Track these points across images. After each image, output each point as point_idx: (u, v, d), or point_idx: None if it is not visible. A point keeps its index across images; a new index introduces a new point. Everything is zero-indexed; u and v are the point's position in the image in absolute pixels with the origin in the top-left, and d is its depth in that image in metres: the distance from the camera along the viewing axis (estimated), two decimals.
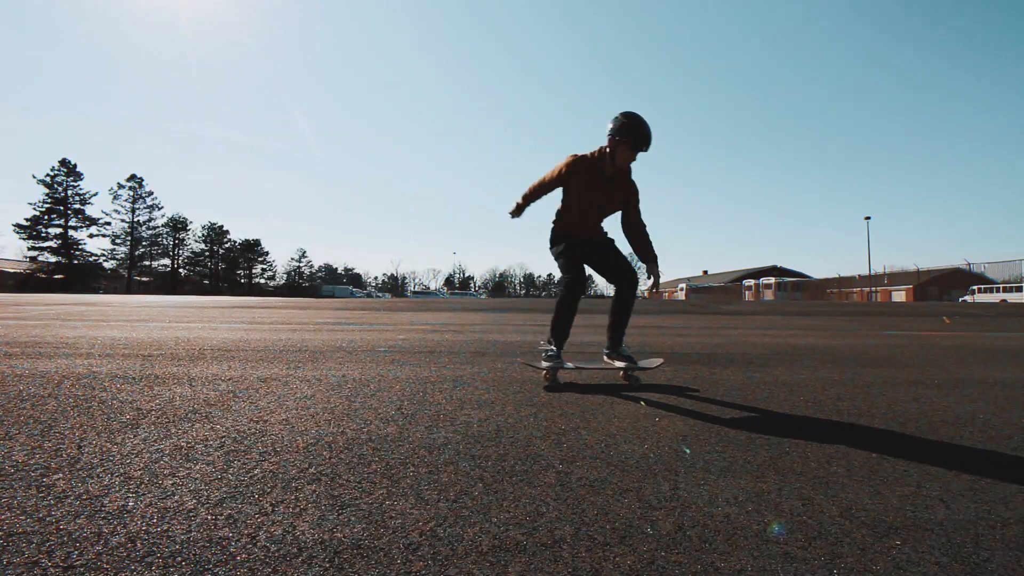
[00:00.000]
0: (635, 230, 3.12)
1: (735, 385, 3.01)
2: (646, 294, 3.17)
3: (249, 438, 1.84)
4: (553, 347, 3.01)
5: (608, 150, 2.95)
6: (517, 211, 3.30)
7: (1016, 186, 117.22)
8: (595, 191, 3.02)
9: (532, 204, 3.25)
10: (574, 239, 3.12)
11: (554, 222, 3.19)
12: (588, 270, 3.20)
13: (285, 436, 1.87)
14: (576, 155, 3.01)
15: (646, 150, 2.91)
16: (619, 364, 3.01)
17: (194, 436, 1.85)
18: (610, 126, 2.92)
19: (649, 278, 3.10)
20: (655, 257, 3.12)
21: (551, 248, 3.23)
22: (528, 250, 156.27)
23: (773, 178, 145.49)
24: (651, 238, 3.12)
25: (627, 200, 3.10)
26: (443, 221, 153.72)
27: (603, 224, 3.21)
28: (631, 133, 2.85)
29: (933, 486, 1.49)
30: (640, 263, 3.37)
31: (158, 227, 66.27)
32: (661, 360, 3.23)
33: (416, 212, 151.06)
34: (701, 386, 2.97)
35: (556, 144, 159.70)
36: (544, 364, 2.99)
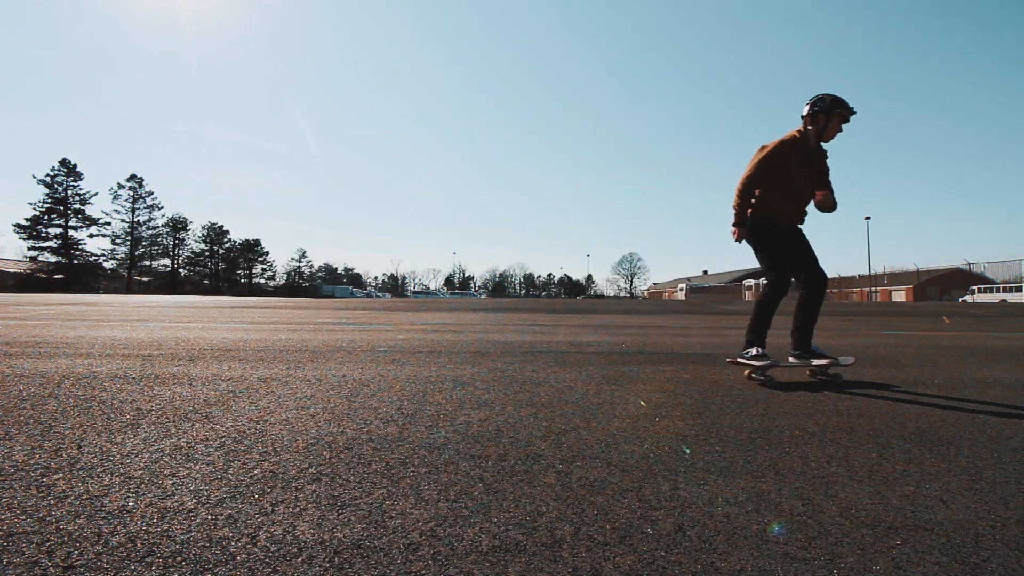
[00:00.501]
0: (831, 206, 3.21)
1: (735, 385, 3.01)
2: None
3: (249, 438, 1.84)
4: (759, 348, 3.14)
5: (811, 128, 3.12)
6: (740, 224, 3.23)
7: (1016, 186, 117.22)
8: (804, 171, 3.13)
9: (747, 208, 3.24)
10: (778, 227, 3.18)
11: (754, 211, 3.20)
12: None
13: (285, 436, 1.87)
14: (777, 141, 3.13)
15: (854, 113, 3.10)
16: (818, 362, 3.12)
17: (194, 436, 1.85)
18: (810, 107, 3.10)
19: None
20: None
21: (752, 240, 3.25)
22: (528, 250, 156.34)
23: None
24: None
25: (825, 173, 3.22)
26: (443, 221, 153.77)
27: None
28: (840, 104, 3.05)
29: (933, 486, 1.49)
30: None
31: (158, 227, 66.34)
32: (853, 359, 3.34)
33: (416, 212, 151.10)
34: (701, 386, 2.97)
35: (556, 144, 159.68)
36: (759, 363, 3.08)
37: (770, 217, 3.18)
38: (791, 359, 3.19)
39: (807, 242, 3.24)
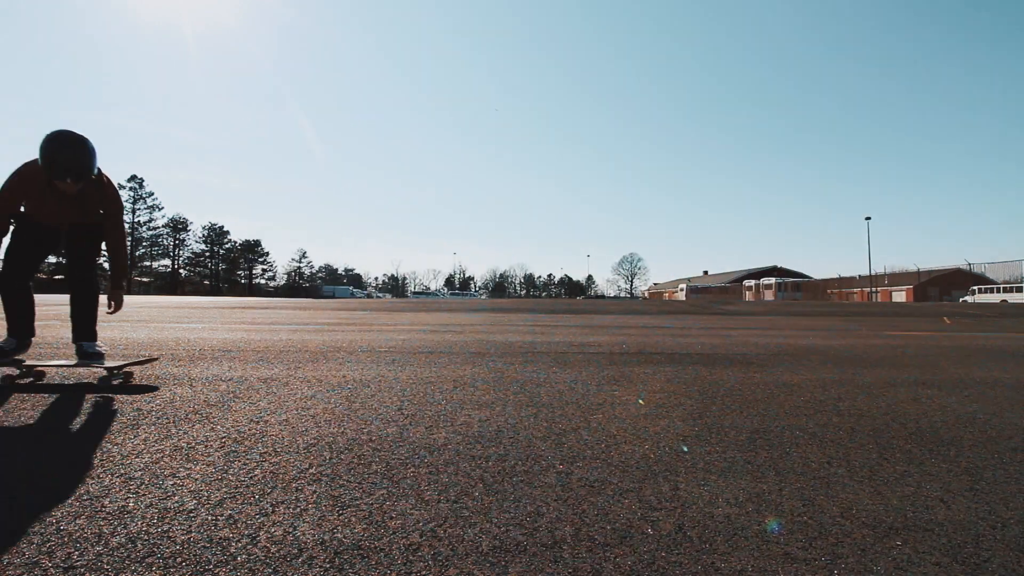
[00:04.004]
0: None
1: (735, 385, 3.01)
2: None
3: (249, 439, 1.84)
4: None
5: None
6: None
7: (1017, 186, 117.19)
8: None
9: None
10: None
11: None
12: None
13: (285, 437, 1.87)
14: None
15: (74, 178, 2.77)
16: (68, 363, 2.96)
17: (194, 436, 1.86)
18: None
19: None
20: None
21: None
22: (528, 250, 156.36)
23: (773, 178, 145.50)
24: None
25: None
26: (443, 221, 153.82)
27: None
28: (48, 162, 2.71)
29: (933, 486, 1.49)
30: None
31: (158, 228, 66.40)
32: (142, 359, 3.19)
33: (416, 212, 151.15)
34: (701, 386, 2.97)
35: (556, 143, 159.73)
36: None
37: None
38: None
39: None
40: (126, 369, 2.86)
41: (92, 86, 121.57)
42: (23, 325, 2.95)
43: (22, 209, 2.94)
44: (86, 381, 2.83)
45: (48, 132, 2.72)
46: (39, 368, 2.90)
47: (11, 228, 2.95)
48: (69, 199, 2.90)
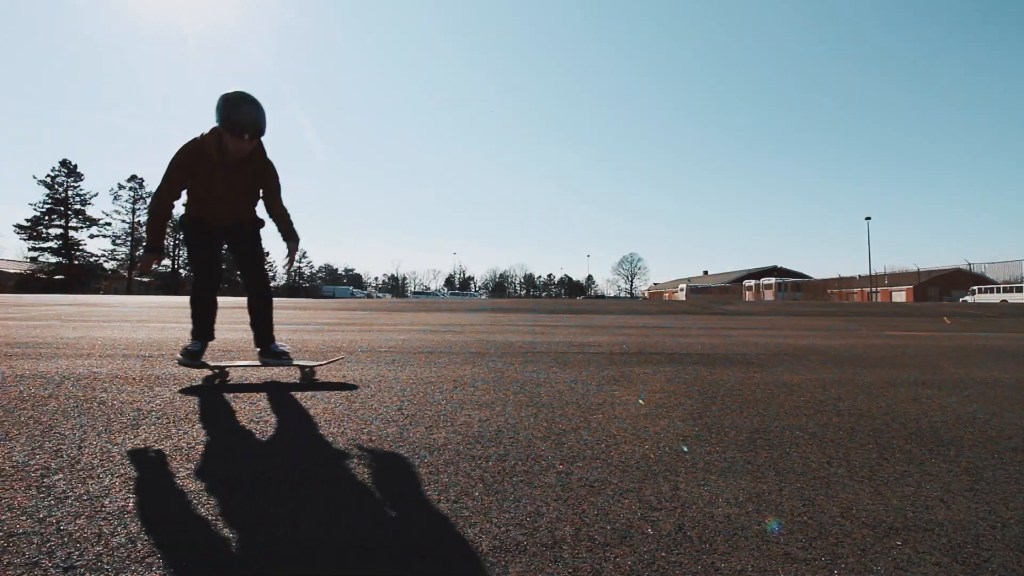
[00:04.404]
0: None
1: (735, 385, 3.01)
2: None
3: (250, 439, 1.84)
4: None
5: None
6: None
7: (1017, 186, 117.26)
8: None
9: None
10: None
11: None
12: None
13: (286, 436, 1.87)
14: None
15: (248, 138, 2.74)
16: (270, 363, 3.05)
17: (194, 436, 1.85)
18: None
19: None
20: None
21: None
22: (528, 250, 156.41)
23: (773, 178, 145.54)
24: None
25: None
26: (443, 221, 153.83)
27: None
28: (226, 116, 2.69)
29: (933, 486, 1.49)
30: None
31: None
32: (329, 359, 3.20)
33: (416, 212, 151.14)
34: (701, 386, 2.97)
35: (556, 143, 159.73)
36: (180, 358, 2.94)
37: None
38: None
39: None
40: (315, 367, 3.05)
41: (92, 86, 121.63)
42: (209, 330, 3.02)
43: (184, 204, 2.97)
44: (286, 380, 2.95)
45: (223, 93, 2.72)
46: (228, 368, 3.00)
47: (189, 238, 3.01)
48: (236, 174, 2.89)
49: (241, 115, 2.69)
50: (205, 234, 3.02)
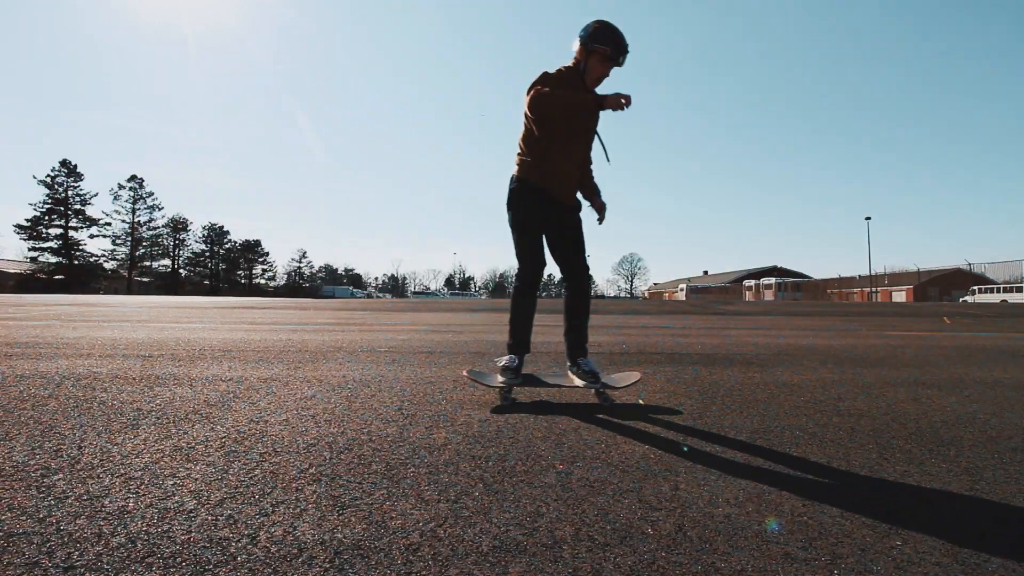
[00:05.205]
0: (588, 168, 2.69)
1: (735, 385, 3.01)
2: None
3: (249, 438, 1.84)
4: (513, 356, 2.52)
5: (575, 65, 2.46)
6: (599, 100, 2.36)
7: (1017, 186, 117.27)
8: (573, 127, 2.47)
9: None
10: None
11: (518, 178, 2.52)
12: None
13: (285, 436, 1.87)
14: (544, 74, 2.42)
15: (623, 54, 2.42)
16: (577, 381, 2.51)
17: (194, 436, 1.85)
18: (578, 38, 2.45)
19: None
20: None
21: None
22: None
23: (773, 178, 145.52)
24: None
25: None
26: (444, 221, 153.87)
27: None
28: (601, 36, 2.39)
29: (933, 486, 1.49)
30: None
31: (158, 228, 66.39)
32: (638, 376, 2.64)
33: (417, 212, 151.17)
34: (701, 386, 2.97)
35: None
36: (499, 379, 2.52)
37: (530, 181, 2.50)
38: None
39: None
40: (619, 389, 2.54)
41: (92, 86, 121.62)
42: (527, 340, 2.59)
43: (520, 162, 2.50)
44: (599, 403, 2.50)
45: (588, 23, 2.42)
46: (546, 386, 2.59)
47: (526, 214, 2.48)
48: (588, 133, 2.51)
49: (619, 38, 2.39)
50: (545, 211, 2.51)
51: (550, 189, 2.49)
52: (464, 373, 2.68)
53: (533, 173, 2.47)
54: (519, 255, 2.56)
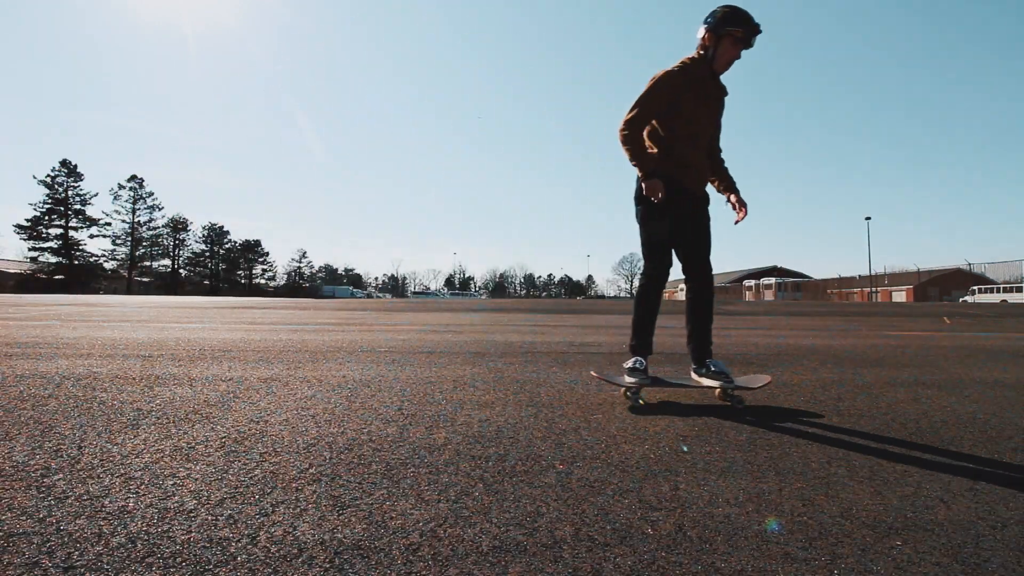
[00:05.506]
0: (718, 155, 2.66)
1: None
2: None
3: (249, 438, 1.84)
4: (639, 358, 2.50)
5: (702, 54, 2.47)
6: (653, 174, 2.42)
7: (1017, 186, 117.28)
8: (701, 109, 2.46)
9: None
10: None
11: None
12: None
13: (285, 436, 1.87)
14: (666, 71, 2.43)
15: (756, 34, 2.41)
16: (708, 382, 2.49)
17: (194, 436, 1.85)
18: (704, 25, 2.45)
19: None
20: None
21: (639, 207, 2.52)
22: (528, 251, 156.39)
23: (773, 178, 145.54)
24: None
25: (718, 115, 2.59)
26: (443, 222, 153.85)
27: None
28: (732, 19, 2.39)
29: (933, 486, 1.49)
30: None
31: (158, 228, 66.41)
32: (768, 379, 2.59)
33: (416, 212, 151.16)
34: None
35: (556, 143, 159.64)
36: (628, 380, 2.49)
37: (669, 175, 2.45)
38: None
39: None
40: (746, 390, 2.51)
41: (92, 86, 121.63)
42: (651, 342, 2.56)
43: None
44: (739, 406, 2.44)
45: (714, 9, 2.43)
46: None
47: (656, 207, 2.42)
48: (716, 102, 2.52)
49: (750, 20, 2.39)
50: (679, 205, 2.45)
51: (683, 180, 2.47)
52: (592, 373, 2.67)
53: (665, 165, 2.46)
54: (648, 251, 2.53)
